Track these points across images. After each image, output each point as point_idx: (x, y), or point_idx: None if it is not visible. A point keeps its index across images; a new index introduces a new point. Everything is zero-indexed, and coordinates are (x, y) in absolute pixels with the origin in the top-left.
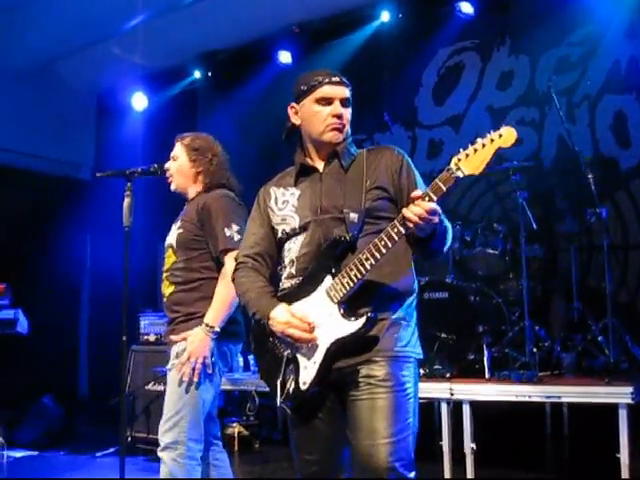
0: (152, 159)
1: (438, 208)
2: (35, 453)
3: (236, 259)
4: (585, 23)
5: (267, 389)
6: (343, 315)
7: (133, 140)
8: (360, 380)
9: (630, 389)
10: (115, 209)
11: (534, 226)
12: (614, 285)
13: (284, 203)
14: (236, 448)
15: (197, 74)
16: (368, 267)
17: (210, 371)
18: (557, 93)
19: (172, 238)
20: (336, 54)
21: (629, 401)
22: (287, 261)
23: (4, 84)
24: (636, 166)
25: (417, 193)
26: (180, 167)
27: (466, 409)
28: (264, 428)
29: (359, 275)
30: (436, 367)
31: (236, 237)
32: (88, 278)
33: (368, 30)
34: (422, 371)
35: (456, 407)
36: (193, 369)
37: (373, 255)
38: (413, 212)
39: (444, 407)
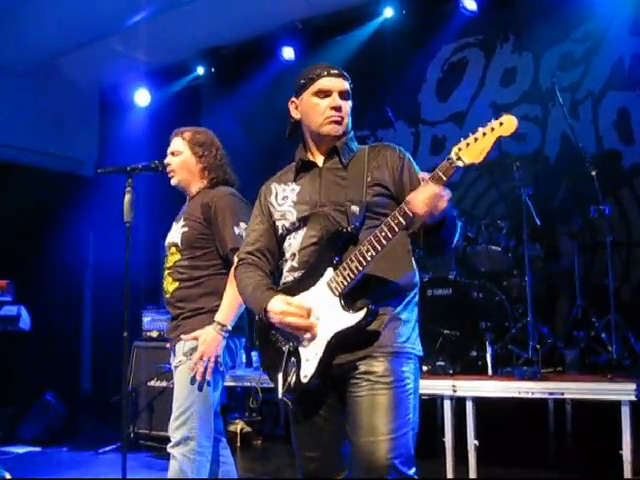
0: (155, 155)
1: (445, 192)
2: (38, 449)
3: (237, 256)
4: (589, 19)
5: (270, 385)
6: (344, 307)
7: (136, 136)
8: (359, 376)
9: (633, 386)
10: (118, 205)
11: (537, 223)
12: (617, 282)
13: (284, 199)
14: (239, 444)
15: (200, 70)
16: (369, 258)
17: (222, 368)
18: (561, 89)
19: (175, 236)
20: (339, 50)
21: (632, 398)
22: (288, 255)
23: (7, 80)
24: (639, 162)
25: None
26: (185, 162)
27: (469, 405)
28: (267, 424)
29: (360, 267)
30: (439, 363)
31: (244, 235)
32: (91, 274)
33: (371, 26)
34: (425, 367)
35: (459, 403)
36: (206, 368)
37: (374, 247)
38: (421, 195)
39: (447, 403)
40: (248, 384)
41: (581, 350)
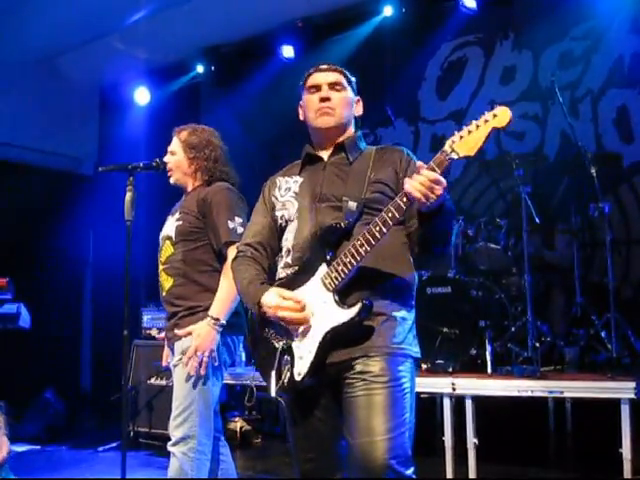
0: (155, 154)
1: (443, 180)
2: (37, 447)
3: (237, 248)
4: (588, 17)
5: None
6: (338, 303)
7: (136, 135)
8: (355, 376)
9: (633, 384)
10: (118, 204)
11: (537, 221)
12: (617, 280)
13: (286, 190)
14: (238, 442)
15: (200, 69)
16: (363, 253)
17: (217, 364)
18: (560, 88)
19: (170, 229)
20: (339, 48)
21: (632, 396)
22: (284, 251)
23: (7, 78)
24: (639, 161)
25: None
26: (178, 163)
27: (468, 404)
28: (266, 423)
29: (354, 262)
30: (438, 362)
31: (239, 230)
32: (90, 272)
33: (371, 25)
34: (424, 366)
35: (458, 402)
36: (200, 363)
37: (368, 241)
38: (416, 180)
39: (446, 402)
40: (247, 382)
41: (581, 348)
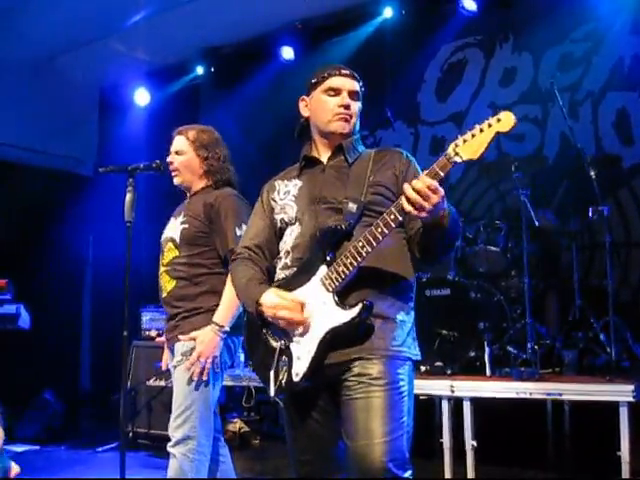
0: (155, 155)
1: (441, 190)
2: (36, 448)
3: (235, 250)
4: (589, 20)
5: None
6: (337, 304)
7: (136, 136)
8: (354, 379)
9: (631, 387)
10: (117, 205)
11: (536, 223)
12: (616, 283)
13: (285, 194)
14: (237, 444)
15: (200, 70)
16: (364, 254)
17: (217, 370)
18: (560, 90)
19: (174, 232)
20: (339, 50)
21: (630, 399)
22: (283, 252)
23: (7, 79)
24: (639, 164)
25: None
26: (188, 163)
27: (467, 406)
28: (265, 424)
29: (354, 263)
30: (437, 364)
31: (244, 232)
32: (90, 273)
33: (371, 26)
34: (423, 368)
35: (457, 404)
36: (203, 369)
37: (369, 242)
38: (413, 187)
39: (445, 404)
40: (246, 383)
41: (579, 351)
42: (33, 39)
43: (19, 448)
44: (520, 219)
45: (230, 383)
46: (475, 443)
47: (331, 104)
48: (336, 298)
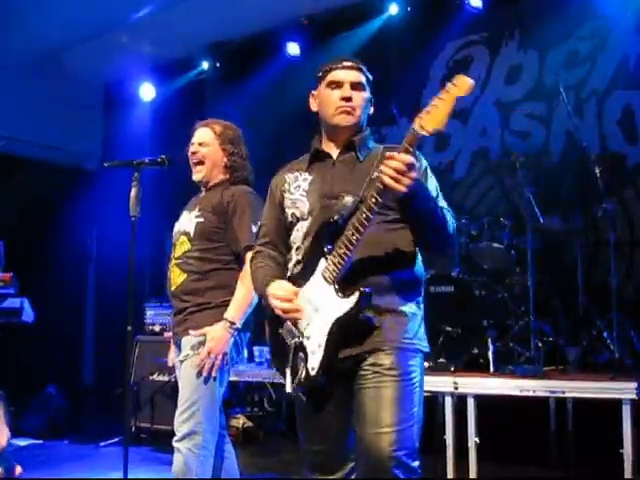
0: (159, 149)
1: (416, 163)
2: (39, 442)
3: (253, 249)
4: (594, 17)
5: (276, 381)
6: (338, 294)
7: (140, 131)
8: (367, 368)
9: (634, 385)
10: (121, 199)
11: (540, 221)
12: (620, 280)
13: (296, 188)
14: (240, 439)
15: (205, 65)
16: (354, 242)
17: (228, 366)
18: (565, 88)
19: (188, 225)
20: (344, 46)
21: (633, 397)
22: (294, 248)
23: (12, 73)
24: None
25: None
26: (212, 155)
27: (470, 403)
28: (268, 419)
29: (347, 252)
30: (440, 360)
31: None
32: (94, 268)
33: (376, 23)
34: (426, 364)
35: (460, 401)
36: (213, 365)
37: (356, 229)
38: (389, 165)
39: (448, 401)
40: (250, 379)
41: (583, 349)
42: (38, 33)
43: (22, 442)
44: (525, 216)
45: (233, 378)
46: (478, 440)
47: (334, 97)
48: (336, 287)
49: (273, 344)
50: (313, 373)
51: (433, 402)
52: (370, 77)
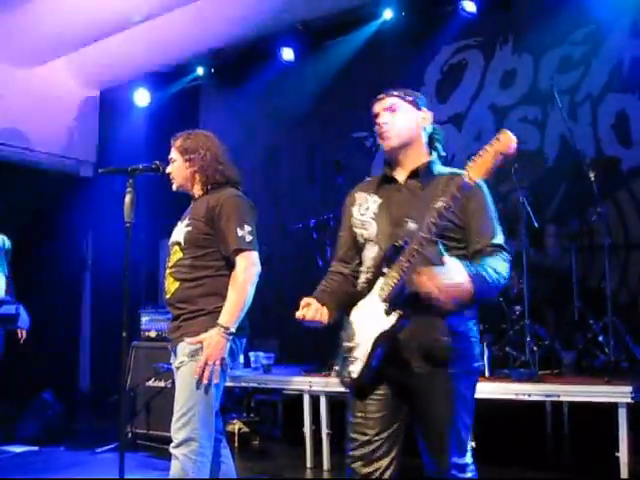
0: (155, 156)
1: (464, 285)
2: (35, 448)
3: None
4: (588, 22)
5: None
6: (384, 311)
7: (135, 137)
8: (427, 386)
9: (630, 388)
10: (117, 206)
11: (535, 225)
12: (615, 284)
13: (366, 209)
14: (236, 445)
15: (200, 71)
16: (405, 268)
17: (228, 370)
18: (560, 92)
19: (179, 235)
20: (339, 52)
21: (629, 400)
22: (365, 266)
23: (6, 79)
24: (638, 166)
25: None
26: (178, 169)
27: None
28: (264, 425)
29: (398, 276)
30: None
31: (248, 238)
32: (89, 274)
33: (371, 28)
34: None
35: None
36: (211, 372)
37: (408, 258)
38: (430, 278)
39: None
40: (246, 384)
41: (578, 352)
42: (33, 40)
43: (18, 449)
44: (519, 220)
45: (229, 384)
46: (474, 444)
47: (376, 129)
48: (385, 307)
49: (337, 347)
50: (355, 376)
51: None
52: (412, 96)
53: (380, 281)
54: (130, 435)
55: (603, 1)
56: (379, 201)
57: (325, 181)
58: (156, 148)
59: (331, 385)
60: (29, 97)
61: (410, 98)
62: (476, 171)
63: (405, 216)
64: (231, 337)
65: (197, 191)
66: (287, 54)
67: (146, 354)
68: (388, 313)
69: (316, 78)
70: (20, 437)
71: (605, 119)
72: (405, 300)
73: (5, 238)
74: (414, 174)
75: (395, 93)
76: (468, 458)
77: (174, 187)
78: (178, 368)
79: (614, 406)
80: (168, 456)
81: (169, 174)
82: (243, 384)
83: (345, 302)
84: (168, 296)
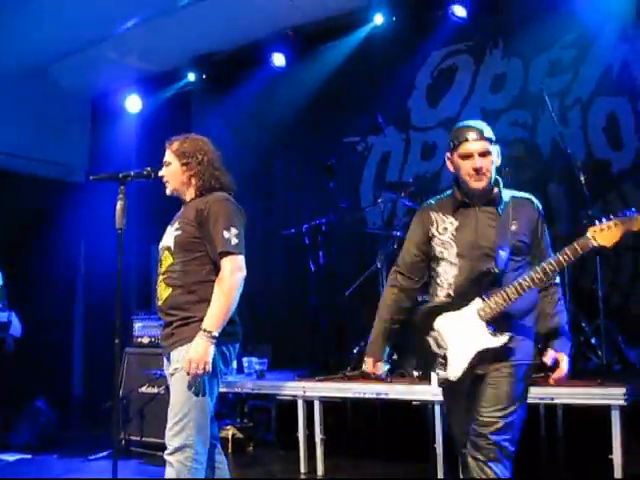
0: (146, 162)
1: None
2: (28, 456)
3: (394, 270)
4: (578, 26)
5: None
6: (491, 332)
7: (127, 143)
8: (495, 373)
9: (623, 390)
10: (109, 212)
11: None
12: (606, 287)
13: (444, 230)
14: (230, 450)
15: (191, 77)
16: (513, 299)
17: (217, 370)
18: (550, 96)
19: (169, 240)
20: (330, 57)
21: (622, 402)
22: (444, 281)
23: None
24: (628, 168)
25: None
26: (173, 173)
27: None
28: (258, 430)
29: (504, 303)
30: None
31: (234, 240)
32: (82, 281)
33: (362, 33)
34: (416, 373)
35: None
36: (198, 375)
37: (518, 291)
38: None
39: (437, 409)
40: (239, 390)
41: (571, 355)
42: (24, 46)
43: (11, 457)
44: None
45: (223, 390)
46: None
47: (466, 168)
48: (490, 328)
49: (418, 351)
50: (453, 379)
51: (423, 411)
52: (493, 136)
53: (478, 302)
54: (123, 442)
55: (592, 6)
56: (456, 224)
57: (317, 186)
58: (147, 154)
59: (325, 390)
60: (21, 103)
61: (493, 138)
62: (603, 239)
63: (485, 240)
64: (215, 341)
65: (190, 195)
66: (278, 60)
67: (139, 360)
68: (496, 333)
69: (307, 83)
70: (13, 444)
71: (595, 122)
72: (509, 325)
73: None
74: (491, 201)
75: (486, 136)
76: None
77: (168, 191)
78: (172, 375)
79: (607, 408)
80: (162, 463)
81: (162, 177)
82: (237, 390)
83: (397, 319)
84: (160, 303)
